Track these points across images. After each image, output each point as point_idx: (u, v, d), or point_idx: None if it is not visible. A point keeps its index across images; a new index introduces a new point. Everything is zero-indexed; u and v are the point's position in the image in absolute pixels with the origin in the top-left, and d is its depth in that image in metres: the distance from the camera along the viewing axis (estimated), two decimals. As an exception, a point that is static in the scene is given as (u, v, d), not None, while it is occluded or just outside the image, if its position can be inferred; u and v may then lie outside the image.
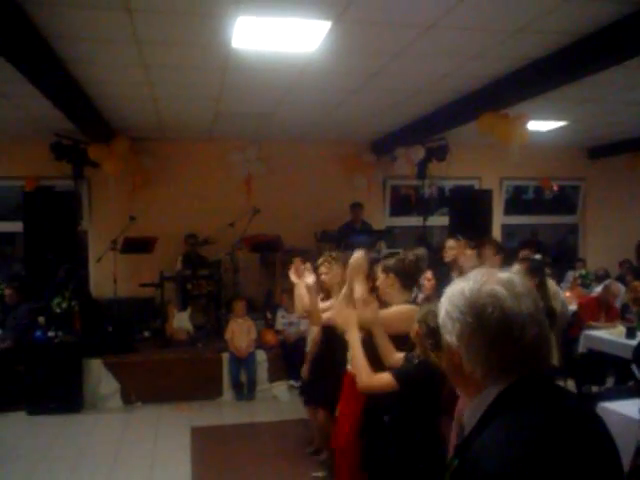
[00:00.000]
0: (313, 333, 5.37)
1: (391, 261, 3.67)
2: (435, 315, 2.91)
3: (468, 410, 1.47)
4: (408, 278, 3.64)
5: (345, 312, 3.36)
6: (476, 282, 1.43)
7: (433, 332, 2.82)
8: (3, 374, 7.04)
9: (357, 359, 3.12)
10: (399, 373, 3.00)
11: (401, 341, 3.23)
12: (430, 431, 3.04)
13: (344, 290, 3.94)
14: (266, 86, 6.27)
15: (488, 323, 1.37)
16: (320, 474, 5.20)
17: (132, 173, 8.75)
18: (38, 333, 7.17)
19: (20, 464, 5.57)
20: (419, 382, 2.95)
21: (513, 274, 1.49)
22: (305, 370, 5.47)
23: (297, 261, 4.36)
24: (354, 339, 3.17)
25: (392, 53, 5.23)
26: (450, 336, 1.43)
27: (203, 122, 8.08)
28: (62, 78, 5.52)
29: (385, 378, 3.02)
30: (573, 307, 7.43)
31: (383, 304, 3.66)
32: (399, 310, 3.53)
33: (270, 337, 7.74)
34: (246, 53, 5.13)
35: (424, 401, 3.01)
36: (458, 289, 1.45)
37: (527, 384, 1.37)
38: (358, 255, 3.83)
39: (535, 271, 4.83)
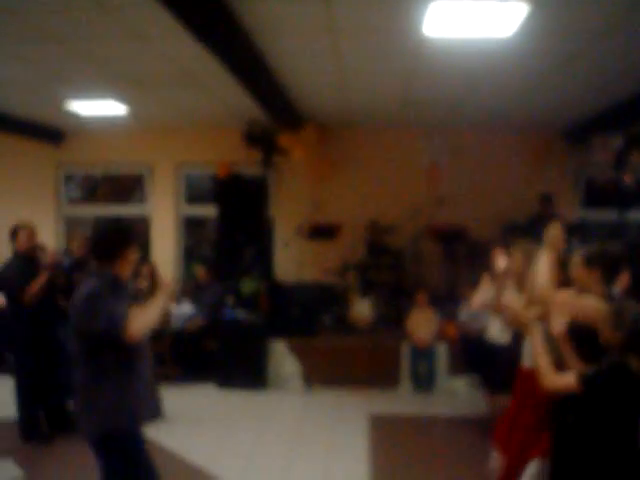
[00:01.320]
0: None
1: (593, 252, 3.41)
2: (633, 316, 2.71)
3: None
4: (610, 271, 3.37)
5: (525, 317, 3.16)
6: None
7: (634, 335, 2.62)
8: (197, 349, 7.52)
9: (539, 358, 2.95)
10: (585, 376, 2.79)
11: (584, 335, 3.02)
12: (624, 442, 2.80)
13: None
14: (457, 73, 6.08)
15: None
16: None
17: (318, 160, 8.90)
18: (228, 312, 7.57)
19: (209, 430, 6.03)
20: (607, 388, 2.72)
21: None
22: None
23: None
24: (536, 338, 2.99)
25: (596, 33, 4.83)
26: None
27: (390, 110, 8.02)
28: (259, 68, 5.69)
29: (568, 379, 2.84)
30: None
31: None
32: (589, 305, 3.27)
33: (451, 330, 7.58)
34: (438, 41, 4.99)
35: (614, 409, 2.77)
36: None
37: None
38: (556, 226, 3.67)
39: None
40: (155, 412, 3.55)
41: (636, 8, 4.28)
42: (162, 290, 3.36)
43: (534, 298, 3.59)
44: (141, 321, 3.13)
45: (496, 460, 4.32)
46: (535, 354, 3.03)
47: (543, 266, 3.56)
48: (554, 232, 3.68)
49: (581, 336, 3.12)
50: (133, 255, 3.34)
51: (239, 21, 4.60)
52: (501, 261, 4.20)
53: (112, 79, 6.42)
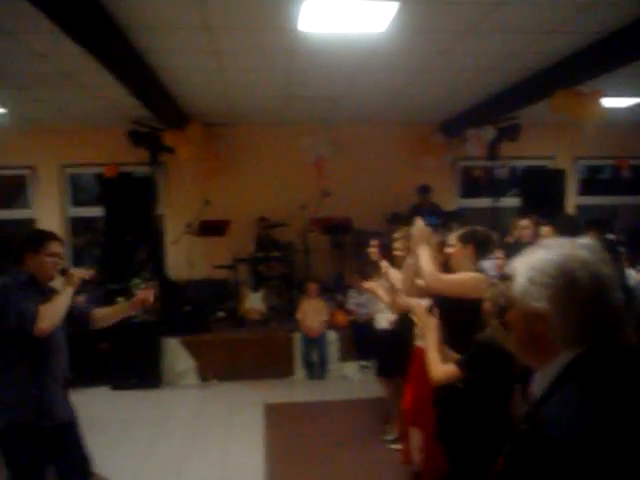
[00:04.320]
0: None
1: (467, 231, 3.71)
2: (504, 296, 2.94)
3: (538, 376, 1.45)
4: (483, 248, 3.69)
5: (423, 315, 3.36)
6: (560, 248, 1.43)
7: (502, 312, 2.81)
8: (89, 352, 7.38)
9: (430, 356, 3.14)
10: (462, 361, 3.04)
11: (469, 307, 3.23)
12: (501, 402, 3.06)
13: (409, 260, 4.11)
14: (334, 69, 6.29)
15: (581, 286, 1.35)
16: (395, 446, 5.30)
17: (206, 158, 8.92)
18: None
19: (104, 434, 5.79)
20: (484, 363, 2.95)
21: (592, 242, 1.46)
22: None
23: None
24: (431, 341, 3.17)
25: (461, 31, 5.17)
26: (538, 302, 1.39)
27: (273, 106, 8.17)
28: (138, 67, 5.69)
29: (451, 369, 3.05)
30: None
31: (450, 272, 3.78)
32: (470, 276, 3.58)
33: (341, 318, 7.83)
34: (314, 36, 5.15)
35: (493, 378, 3.02)
36: (541, 256, 1.43)
37: (603, 351, 1.34)
38: (419, 224, 3.97)
39: (605, 249, 4.60)
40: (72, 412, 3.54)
41: (493, 10, 4.63)
42: (67, 281, 3.43)
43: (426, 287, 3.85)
44: (50, 313, 3.22)
45: (416, 438, 4.54)
46: (426, 348, 3.20)
47: (424, 259, 3.82)
48: (416, 231, 3.97)
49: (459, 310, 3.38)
50: (44, 257, 3.36)
51: (114, 18, 4.58)
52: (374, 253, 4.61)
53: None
